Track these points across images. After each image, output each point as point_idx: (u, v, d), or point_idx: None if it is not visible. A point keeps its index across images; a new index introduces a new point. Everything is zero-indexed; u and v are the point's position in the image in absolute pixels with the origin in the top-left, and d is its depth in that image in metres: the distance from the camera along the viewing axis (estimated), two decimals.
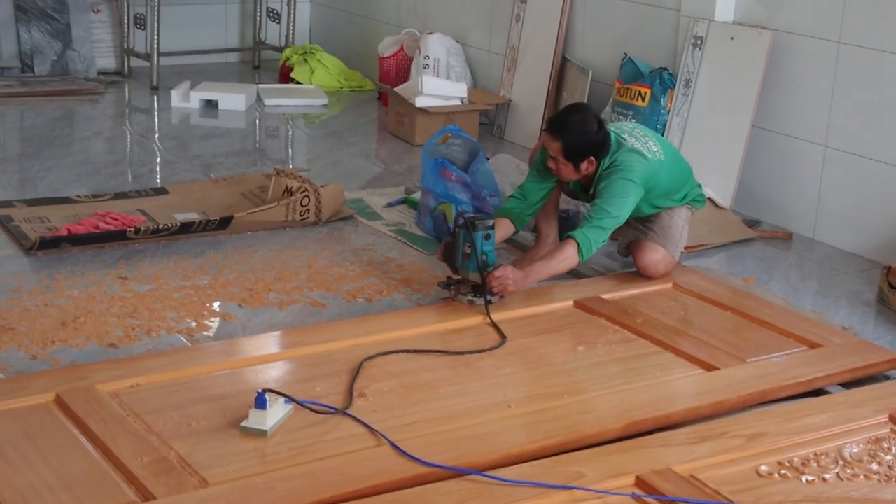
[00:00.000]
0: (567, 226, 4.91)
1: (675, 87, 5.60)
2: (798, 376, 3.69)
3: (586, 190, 4.45)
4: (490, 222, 4.14)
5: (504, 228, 4.33)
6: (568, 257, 4.17)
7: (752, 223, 5.35)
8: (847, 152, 5.07)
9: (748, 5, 5.43)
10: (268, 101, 7.39)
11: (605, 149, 4.29)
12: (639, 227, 4.47)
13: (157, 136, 6.81)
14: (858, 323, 4.34)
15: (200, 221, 4.83)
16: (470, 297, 4.11)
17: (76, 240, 4.64)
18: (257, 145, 6.88)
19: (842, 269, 4.91)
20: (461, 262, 4.13)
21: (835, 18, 5.04)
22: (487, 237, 4.08)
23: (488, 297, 4.06)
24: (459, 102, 6.60)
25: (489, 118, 6.90)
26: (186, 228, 4.80)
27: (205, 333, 3.99)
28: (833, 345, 3.93)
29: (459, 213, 4.68)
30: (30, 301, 4.18)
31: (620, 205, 4.23)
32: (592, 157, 4.26)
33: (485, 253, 4.08)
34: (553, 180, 4.44)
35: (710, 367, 3.72)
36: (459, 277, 4.17)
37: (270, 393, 3.22)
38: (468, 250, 4.09)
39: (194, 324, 4.06)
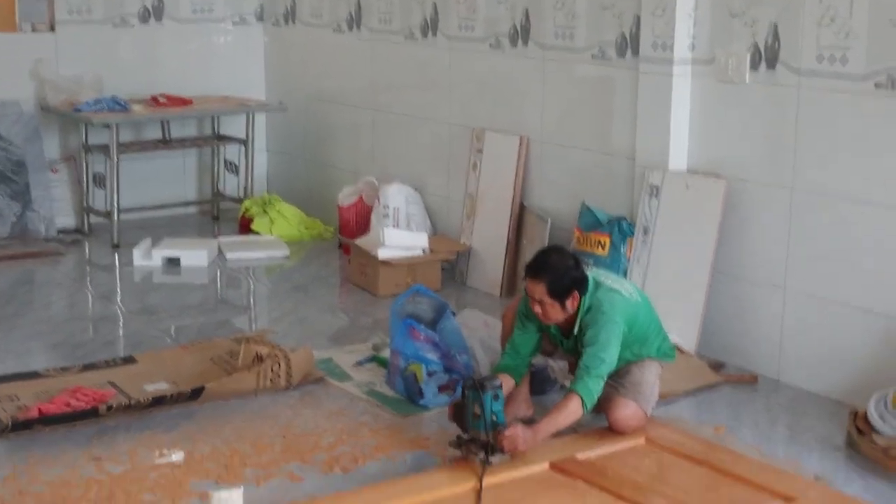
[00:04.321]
0: (536, 380, 4.97)
1: (633, 235, 5.72)
2: None
3: (566, 335, 4.54)
4: (498, 382, 4.25)
5: (505, 385, 4.41)
6: (573, 412, 4.30)
7: (718, 366, 5.42)
8: (806, 294, 5.17)
9: (701, 154, 5.58)
10: (229, 255, 7.43)
11: (585, 284, 4.41)
12: (609, 383, 4.52)
13: (119, 297, 6.82)
14: (830, 469, 4.39)
15: (172, 395, 4.83)
16: (482, 456, 4.17)
17: (48, 420, 4.62)
18: (222, 304, 6.90)
19: (809, 411, 4.97)
20: (472, 423, 4.22)
21: (786, 165, 5.19)
22: (496, 397, 4.20)
23: (494, 459, 4.15)
24: (421, 252, 6.68)
25: (451, 264, 6.98)
26: (158, 402, 4.80)
27: None
28: (809, 499, 3.98)
29: (467, 375, 4.85)
30: (3, 489, 4.15)
31: (612, 350, 4.38)
32: (576, 292, 4.37)
33: (494, 413, 4.18)
34: (539, 330, 4.53)
35: None
36: (469, 437, 4.24)
37: None
38: (478, 411, 4.18)
39: None
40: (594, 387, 4.30)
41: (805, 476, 4.26)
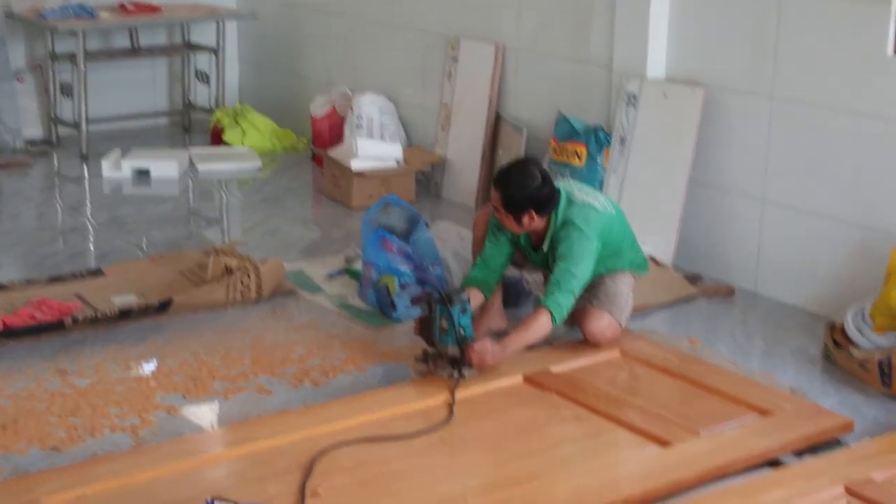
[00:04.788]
0: (511, 292, 4.91)
1: (610, 145, 5.62)
2: (752, 448, 3.69)
3: (535, 248, 4.46)
4: (465, 295, 4.17)
5: (474, 299, 4.34)
6: (542, 326, 4.21)
7: (694, 278, 5.36)
8: (784, 206, 5.10)
9: (679, 62, 5.46)
10: (200, 167, 7.30)
11: (548, 205, 4.32)
12: (583, 295, 4.45)
13: (88, 209, 6.69)
14: (806, 382, 4.35)
15: (140, 307, 4.73)
16: (450, 371, 4.11)
17: (13, 333, 4.53)
18: (192, 216, 6.78)
19: (785, 324, 4.92)
20: (439, 337, 4.14)
21: (766, 74, 5.08)
22: (464, 311, 4.11)
23: (465, 372, 4.08)
24: (395, 164, 6.57)
25: (425, 176, 6.88)
26: (125, 315, 4.70)
27: (150, 430, 3.90)
28: (784, 411, 3.93)
29: (434, 288, 4.67)
30: None
31: (585, 265, 4.29)
32: (532, 212, 4.27)
33: (462, 326, 4.10)
34: (511, 242, 4.46)
35: (664, 443, 3.71)
36: (436, 351, 4.16)
37: (220, 502, 3.15)
38: (445, 325, 4.10)
39: (138, 420, 3.96)
40: (564, 301, 4.23)
41: (781, 389, 4.22)
